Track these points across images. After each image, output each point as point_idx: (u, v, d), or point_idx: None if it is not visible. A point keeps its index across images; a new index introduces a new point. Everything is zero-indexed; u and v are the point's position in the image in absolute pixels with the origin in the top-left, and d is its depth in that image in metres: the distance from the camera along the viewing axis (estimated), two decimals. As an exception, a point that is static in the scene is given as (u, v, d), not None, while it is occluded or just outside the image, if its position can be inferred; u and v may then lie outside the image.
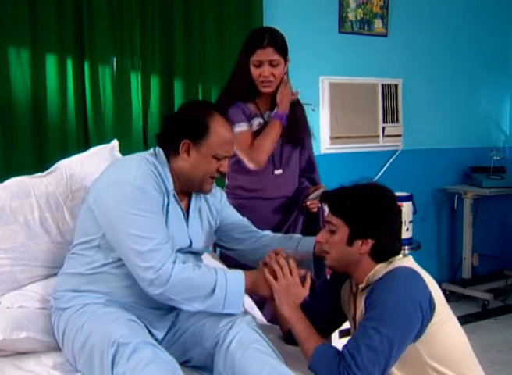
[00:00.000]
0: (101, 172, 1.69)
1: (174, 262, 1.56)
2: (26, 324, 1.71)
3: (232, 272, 1.66)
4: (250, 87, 2.22)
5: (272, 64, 2.14)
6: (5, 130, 2.57)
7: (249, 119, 2.24)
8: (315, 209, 2.26)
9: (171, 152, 1.69)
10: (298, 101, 2.36)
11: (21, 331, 1.69)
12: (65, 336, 1.64)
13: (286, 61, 2.20)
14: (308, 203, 2.24)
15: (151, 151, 1.73)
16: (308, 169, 2.39)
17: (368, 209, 1.57)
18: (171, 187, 1.68)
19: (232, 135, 1.72)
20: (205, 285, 1.57)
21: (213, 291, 1.57)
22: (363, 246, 1.57)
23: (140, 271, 1.55)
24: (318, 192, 2.22)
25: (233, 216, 1.95)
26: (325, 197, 1.68)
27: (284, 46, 2.18)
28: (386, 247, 1.58)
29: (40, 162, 2.58)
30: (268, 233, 1.96)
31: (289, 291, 1.64)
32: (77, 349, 1.58)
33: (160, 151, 1.71)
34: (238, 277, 1.63)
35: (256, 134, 2.24)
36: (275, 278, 1.65)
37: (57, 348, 1.70)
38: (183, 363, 1.65)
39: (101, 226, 1.61)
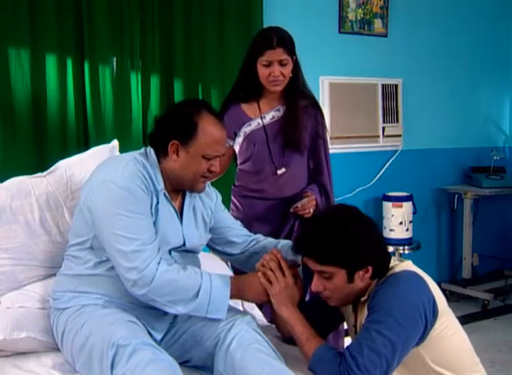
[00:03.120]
0: (92, 172, 1.70)
1: (159, 263, 1.55)
2: (26, 324, 1.72)
3: (218, 276, 1.64)
4: (254, 86, 2.24)
5: (281, 63, 2.16)
6: (5, 130, 2.57)
7: (241, 126, 2.27)
8: (309, 215, 2.23)
9: (161, 152, 1.68)
10: (316, 104, 2.35)
11: (21, 331, 1.69)
12: (64, 336, 1.64)
13: (293, 60, 2.21)
14: (291, 210, 2.24)
15: (142, 150, 1.73)
16: (315, 172, 2.38)
17: (352, 246, 1.49)
18: (160, 186, 1.67)
19: (222, 134, 1.69)
20: (189, 288, 1.56)
21: (197, 294, 1.56)
22: (365, 275, 1.54)
23: (124, 271, 1.55)
24: (304, 200, 2.22)
25: (227, 218, 1.95)
26: (303, 250, 1.57)
27: (292, 45, 2.20)
28: (383, 262, 1.57)
29: (40, 162, 2.58)
30: (258, 236, 1.96)
31: (286, 293, 1.63)
32: (76, 350, 1.58)
33: (151, 151, 1.70)
34: (223, 282, 1.61)
35: (255, 133, 2.27)
36: (270, 283, 1.64)
37: (57, 348, 1.70)
38: (183, 363, 1.65)
39: (91, 226, 1.62)
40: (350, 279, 1.53)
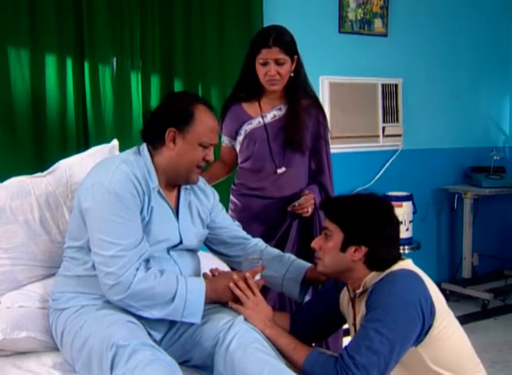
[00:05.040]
0: (86, 174, 1.71)
1: (137, 269, 1.56)
2: (26, 324, 1.72)
3: (194, 281, 1.66)
4: (255, 85, 2.24)
5: (277, 63, 2.15)
6: (5, 130, 2.56)
7: (242, 124, 2.29)
8: (308, 214, 2.24)
9: (156, 144, 1.70)
10: (318, 104, 2.35)
11: (21, 331, 1.69)
12: (63, 337, 1.64)
13: (293, 60, 2.20)
14: (289, 209, 2.23)
15: (135, 149, 1.74)
16: (316, 173, 2.38)
17: (362, 216, 1.57)
18: (154, 183, 1.68)
19: (216, 123, 1.74)
20: (165, 293, 1.58)
21: (172, 299, 1.58)
22: (356, 253, 1.57)
23: (101, 275, 1.57)
24: (301, 199, 2.21)
25: (225, 219, 1.95)
26: (323, 203, 1.69)
27: (291, 45, 2.19)
28: (380, 256, 1.58)
29: (40, 162, 2.57)
30: (257, 242, 1.96)
31: (258, 310, 1.65)
32: (76, 351, 1.58)
33: (144, 148, 1.72)
34: (199, 287, 1.63)
35: (256, 131, 2.27)
36: (239, 302, 1.66)
37: (57, 348, 1.71)
38: (183, 363, 1.65)
39: (85, 229, 1.62)
40: (343, 247, 1.57)
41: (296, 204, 2.21)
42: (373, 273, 1.58)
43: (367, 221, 1.57)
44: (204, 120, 1.68)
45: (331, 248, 1.60)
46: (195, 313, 1.61)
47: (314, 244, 1.65)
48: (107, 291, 1.57)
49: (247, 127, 2.29)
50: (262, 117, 2.28)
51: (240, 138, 2.31)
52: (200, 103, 1.71)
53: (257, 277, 1.75)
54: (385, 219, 1.60)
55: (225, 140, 2.38)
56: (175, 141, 1.68)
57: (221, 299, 1.70)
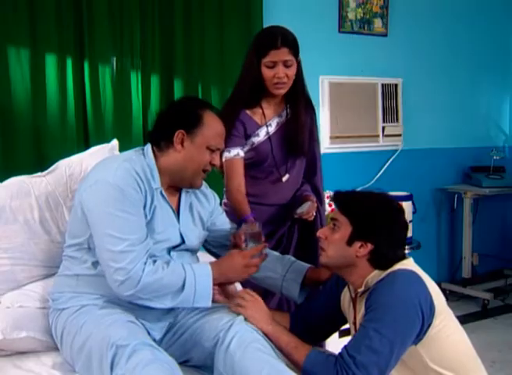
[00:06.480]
0: (88, 172, 1.71)
1: (145, 263, 1.56)
2: (26, 324, 1.72)
3: (200, 266, 1.68)
4: (258, 90, 2.16)
5: (285, 64, 2.08)
6: (5, 130, 2.57)
7: (250, 135, 2.19)
8: (311, 218, 2.21)
9: (163, 146, 1.70)
10: (311, 105, 2.31)
11: (21, 331, 1.70)
12: (63, 337, 1.64)
13: (297, 61, 2.14)
14: (296, 216, 2.19)
15: (139, 148, 1.75)
16: (309, 173, 2.35)
17: (374, 213, 1.58)
18: (157, 184, 1.68)
19: (223, 129, 1.76)
20: (175, 283, 1.59)
21: (182, 287, 1.59)
22: (361, 249, 1.57)
23: (111, 271, 1.56)
24: (305, 206, 2.18)
25: (225, 223, 1.96)
26: (336, 195, 1.69)
27: (296, 46, 2.12)
28: (385, 255, 1.58)
29: (40, 162, 2.57)
30: None
31: (258, 310, 1.66)
32: (76, 351, 1.58)
33: (148, 149, 1.72)
34: (206, 271, 1.64)
35: (263, 145, 2.21)
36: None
37: (57, 348, 1.71)
38: (183, 363, 1.65)
39: (87, 226, 1.62)
40: (350, 241, 1.57)
41: (304, 211, 2.17)
42: (375, 272, 1.58)
43: (378, 219, 1.58)
44: (212, 124, 1.70)
45: (337, 240, 1.60)
46: (205, 298, 1.62)
47: (321, 233, 1.65)
48: (117, 287, 1.56)
49: (254, 140, 2.20)
50: (267, 126, 2.20)
51: (245, 148, 2.22)
52: (209, 108, 1.74)
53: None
54: (396, 220, 1.62)
55: (239, 152, 2.18)
56: (183, 144, 1.68)
57: (229, 280, 1.72)
